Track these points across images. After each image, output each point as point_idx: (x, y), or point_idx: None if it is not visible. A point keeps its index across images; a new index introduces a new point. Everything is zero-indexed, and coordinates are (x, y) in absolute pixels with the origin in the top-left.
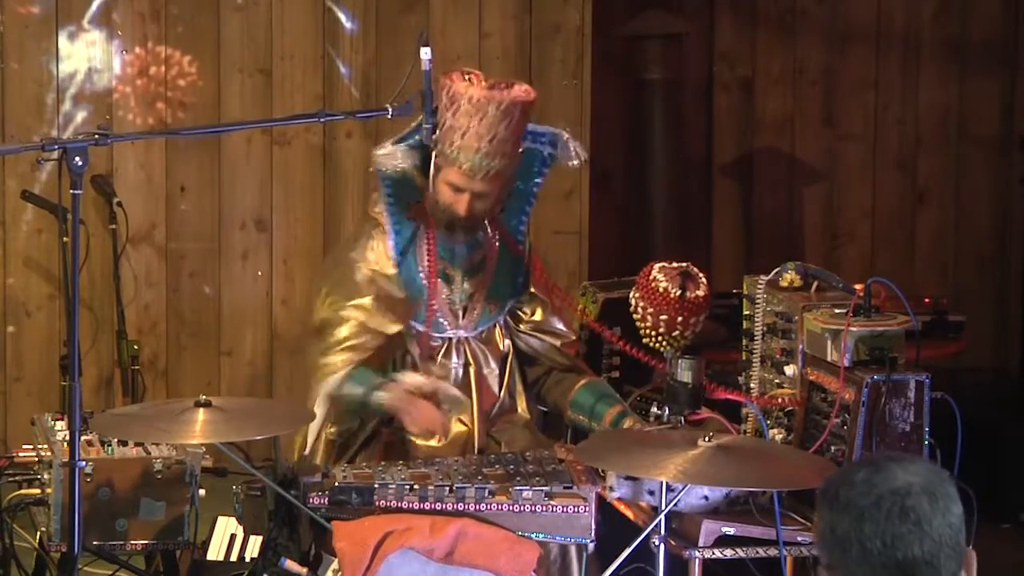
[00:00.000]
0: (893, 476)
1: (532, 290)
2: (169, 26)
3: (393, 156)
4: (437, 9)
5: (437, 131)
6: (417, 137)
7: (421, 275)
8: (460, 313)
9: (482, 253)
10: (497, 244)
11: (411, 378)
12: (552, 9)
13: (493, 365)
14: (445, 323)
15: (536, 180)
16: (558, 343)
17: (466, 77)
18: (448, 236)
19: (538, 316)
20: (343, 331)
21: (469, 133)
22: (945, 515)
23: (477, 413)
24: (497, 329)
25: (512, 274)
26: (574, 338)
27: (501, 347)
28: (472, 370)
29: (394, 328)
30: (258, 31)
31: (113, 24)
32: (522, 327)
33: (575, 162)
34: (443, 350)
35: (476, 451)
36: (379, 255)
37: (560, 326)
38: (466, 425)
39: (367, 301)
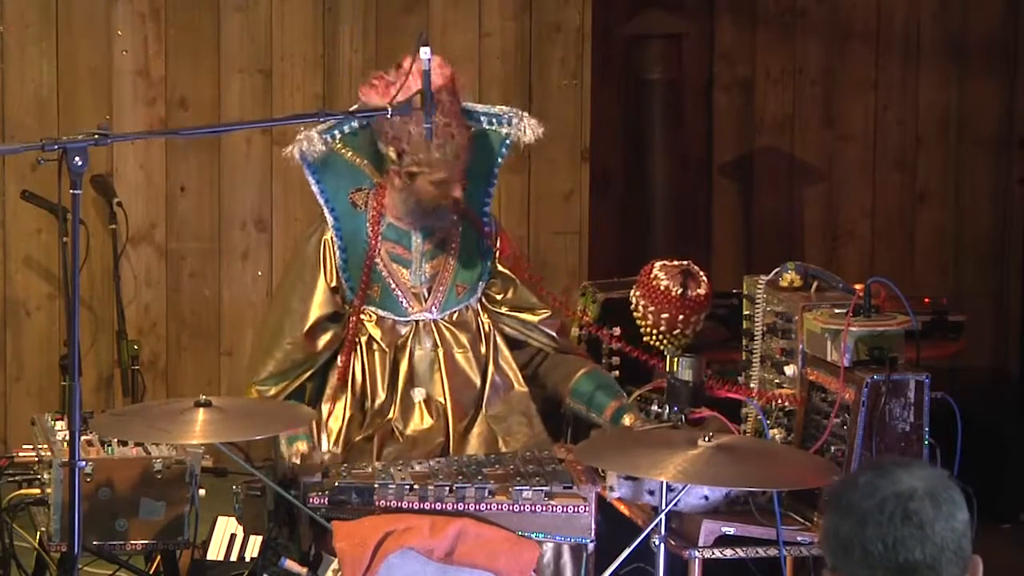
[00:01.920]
0: (897, 480)
1: (500, 268)
2: (169, 26)
3: (309, 140)
4: (437, 9)
5: (394, 146)
6: (355, 124)
7: (378, 263)
8: (424, 296)
9: (442, 235)
10: (460, 226)
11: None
12: (552, 9)
13: (466, 345)
14: (407, 306)
15: (497, 160)
16: (536, 319)
17: (374, 83)
18: (406, 222)
19: (510, 295)
20: (271, 366)
21: (437, 130)
22: (948, 520)
23: (449, 393)
24: (470, 311)
25: (479, 255)
26: (550, 312)
27: (475, 328)
28: (441, 352)
29: (325, 352)
30: (258, 31)
31: (113, 24)
32: (499, 309)
33: (530, 138)
34: (412, 333)
35: (452, 426)
36: (326, 246)
37: (534, 299)
38: (442, 403)
39: (298, 333)
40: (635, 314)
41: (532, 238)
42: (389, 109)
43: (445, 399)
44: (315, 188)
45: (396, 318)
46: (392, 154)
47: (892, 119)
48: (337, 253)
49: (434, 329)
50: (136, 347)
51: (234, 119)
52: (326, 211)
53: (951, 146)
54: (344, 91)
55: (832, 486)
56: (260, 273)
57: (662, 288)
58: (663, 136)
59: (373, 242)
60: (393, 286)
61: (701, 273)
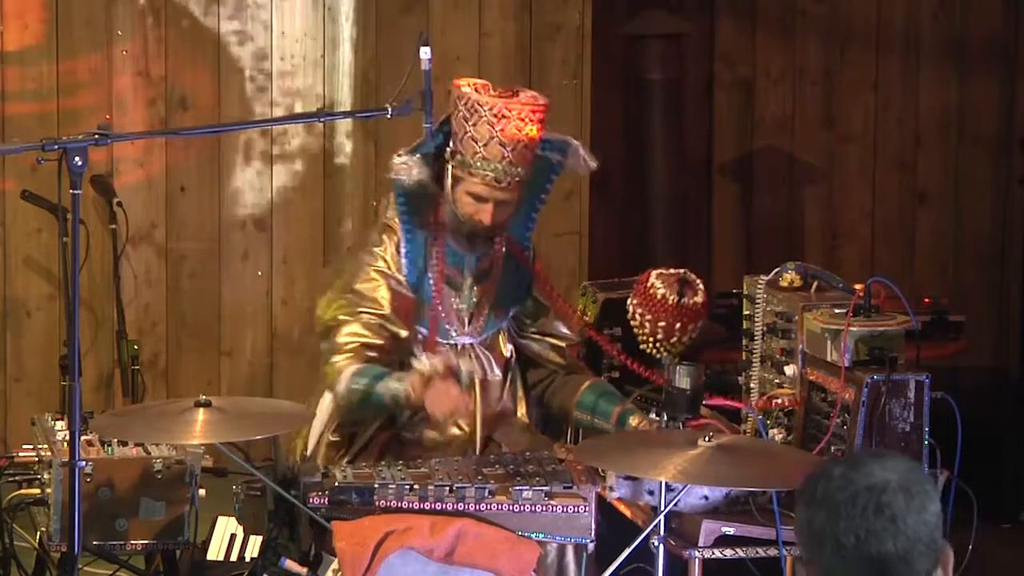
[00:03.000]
0: (870, 472)
1: (535, 295)
2: (169, 26)
3: (408, 166)
4: (437, 9)
5: (453, 142)
6: (428, 144)
7: (430, 282)
8: (467, 320)
9: (490, 260)
10: (503, 251)
11: (425, 363)
12: (552, 9)
13: (497, 372)
14: (452, 330)
15: (545, 187)
16: (562, 344)
17: (473, 87)
18: (461, 244)
19: (541, 320)
20: (353, 329)
21: (492, 143)
22: (920, 513)
23: (480, 418)
24: (501, 335)
25: (517, 281)
26: (577, 340)
27: (504, 353)
28: (476, 377)
29: (403, 331)
30: (258, 31)
31: (113, 24)
32: (525, 331)
33: (584, 171)
34: (452, 356)
35: (478, 451)
36: (391, 259)
37: (564, 330)
38: (463, 430)
39: (381, 300)
40: (632, 322)
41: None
42: (389, 109)
43: (475, 424)
44: (398, 208)
45: (439, 340)
46: (450, 147)
47: (892, 119)
48: (403, 271)
49: (471, 353)
50: (136, 347)
51: (234, 119)
52: (401, 228)
53: (951, 146)
54: (344, 91)
55: (806, 478)
56: (260, 273)
57: (659, 297)
58: (663, 136)
59: (439, 265)
60: (440, 309)
61: (697, 281)
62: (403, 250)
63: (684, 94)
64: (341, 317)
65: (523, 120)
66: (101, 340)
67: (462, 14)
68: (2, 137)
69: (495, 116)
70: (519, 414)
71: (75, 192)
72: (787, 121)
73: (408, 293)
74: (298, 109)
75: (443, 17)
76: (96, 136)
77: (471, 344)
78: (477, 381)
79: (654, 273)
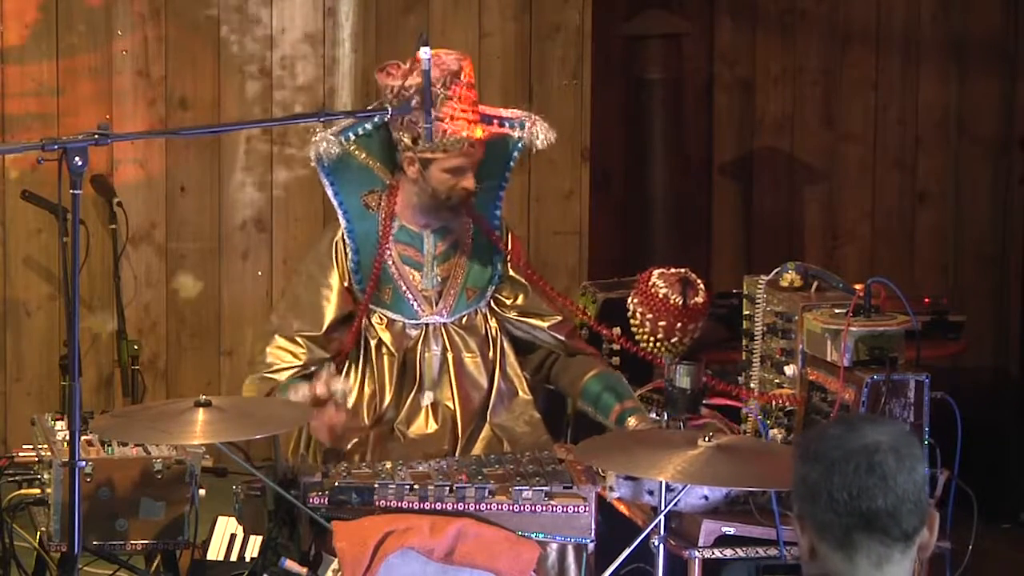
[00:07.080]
0: (864, 434)
1: (511, 274)
2: (169, 26)
3: (327, 142)
4: (437, 9)
5: (407, 130)
6: (368, 127)
7: (389, 264)
8: (434, 299)
9: (453, 238)
10: (471, 230)
11: (298, 393)
12: (552, 9)
13: (475, 350)
14: (418, 309)
15: (509, 165)
16: (545, 325)
17: (390, 71)
18: (418, 223)
19: (520, 300)
20: (271, 360)
21: (457, 114)
22: (910, 473)
23: (458, 397)
24: (479, 316)
25: (489, 260)
26: (560, 318)
27: (484, 333)
28: (451, 356)
29: (326, 354)
30: (258, 31)
31: (113, 24)
32: (508, 314)
33: (542, 143)
34: (422, 336)
35: (460, 432)
36: (338, 249)
37: (544, 305)
38: (450, 407)
39: (303, 331)
40: (632, 321)
41: (532, 238)
42: (390, 110)
43: (454, 404)
44: (328, 190)
45: (406, 320)
46: (407, 139)
47: (892, 119)
48: (349, 255)
49: (443, 333)
50: (136, 347)
51: (234, 119)
52: (339, 213)
53: (951, 146)
54: (344, 91)
55: (803, 436)
56: (260, 273)
57: (661, 296)
58: (663, 136)
59: (383, 243)
60: (404, 288)
61: (699, 281)
62: (346, 235)
63: (684, 94)
64: (272, 331)
65: (469, 79)
66: (101, 340)
67: (462, 14)
68: (2, 137)
69: (450, 90)
70: (520, 393)
71: (75, 192)
72: (787, 121)
73: (353, 281)
74: (298, 109)
75: (443, 17)
76: (96, 136)
77: (443, 324)
78: (451, 359)
79: (655, 272)
